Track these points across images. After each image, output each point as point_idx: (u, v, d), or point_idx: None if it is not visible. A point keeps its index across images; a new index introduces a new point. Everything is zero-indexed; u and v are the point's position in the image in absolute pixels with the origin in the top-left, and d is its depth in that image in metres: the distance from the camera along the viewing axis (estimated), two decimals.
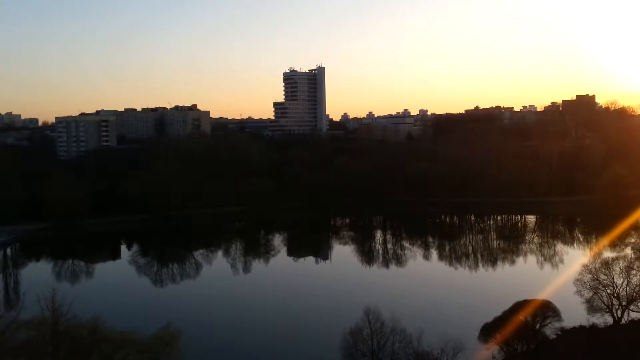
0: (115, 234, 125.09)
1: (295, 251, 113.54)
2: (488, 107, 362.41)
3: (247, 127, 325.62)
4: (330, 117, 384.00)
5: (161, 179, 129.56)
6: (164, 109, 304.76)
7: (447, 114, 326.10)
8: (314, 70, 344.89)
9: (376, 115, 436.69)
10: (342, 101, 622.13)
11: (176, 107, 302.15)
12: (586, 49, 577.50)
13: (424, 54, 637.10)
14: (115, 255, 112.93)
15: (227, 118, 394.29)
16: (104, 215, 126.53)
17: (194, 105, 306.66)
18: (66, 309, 40.23)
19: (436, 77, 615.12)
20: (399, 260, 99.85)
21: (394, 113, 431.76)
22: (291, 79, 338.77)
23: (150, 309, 72.33)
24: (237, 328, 64.19)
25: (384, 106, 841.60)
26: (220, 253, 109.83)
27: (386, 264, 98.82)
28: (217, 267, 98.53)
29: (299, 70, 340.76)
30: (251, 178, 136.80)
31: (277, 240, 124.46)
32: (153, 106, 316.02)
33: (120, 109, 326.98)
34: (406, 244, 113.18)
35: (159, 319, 51.10)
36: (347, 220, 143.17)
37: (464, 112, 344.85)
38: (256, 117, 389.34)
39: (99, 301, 70.75)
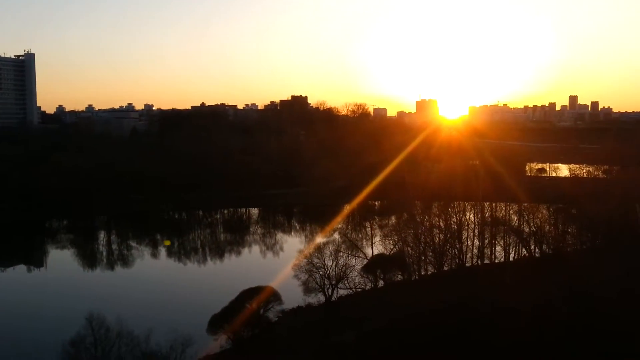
0: None
1: (0, 260, 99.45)
2: (213, 104, 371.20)
3: None
4: (42, 109, 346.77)
5: None
6: None
7: (173, 109, 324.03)
8: (22, 56, 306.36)
9: (97, 109, 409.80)
10: (56, 92, 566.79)
11: None
12: (298, 56, 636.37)
13: (146, 48, 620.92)
14: None
15: None
16: None
17: None
18: None
19: (161, 72, 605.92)
20: (125, 261, 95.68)
21: (116, 107, 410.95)
22: None
23: None
24: None
25: (106, 99, 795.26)
26: None
27: (111, 265, 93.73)
28: None
29: (2, 56, 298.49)
30: None
31: None
32: None
33: None
34: (133, 244, 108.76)
35: None
36: (66, 222, 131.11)
37: (190, 108, 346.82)
38: None
39: None
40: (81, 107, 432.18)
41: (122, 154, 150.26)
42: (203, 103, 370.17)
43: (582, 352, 42.71)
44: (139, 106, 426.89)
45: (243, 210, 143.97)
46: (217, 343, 52.95)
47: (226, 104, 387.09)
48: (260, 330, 54.34)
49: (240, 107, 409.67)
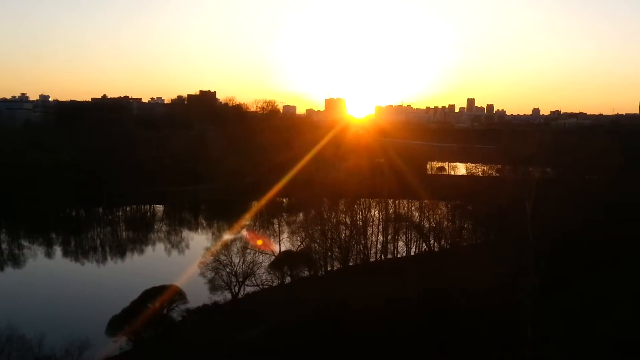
0: None
1: None
2: (116, 96, 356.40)
3: None
4: None
5: None
6: None
7: (71, 101, 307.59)
8: None
9: None
10: None
11: None
12: (207, 51, 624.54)
13: (41, 35, 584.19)
14: None
15: None
16: None
17: None
18: None
19: (59, 61, 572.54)
20: (17, 261, 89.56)
21: (8, 97, 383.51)
22: None
23: None
24: None
25: None
26: None
27: (0, 266, 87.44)
28: None
29: None
30: None
31: None
32: None
33: None
34: (25, 243, 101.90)
35: None
36: None
37: (90, 100, 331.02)
38: None
39: None
40: None
41: (13, 147, 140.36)
42: (105, 95, 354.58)
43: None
44: (34, 97, 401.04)
45: (147, 207, 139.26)
46: (116, 345, 51.09)
47: (130, 96, 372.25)
48: (164, 331, 53.01)
49: (145, 100, 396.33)
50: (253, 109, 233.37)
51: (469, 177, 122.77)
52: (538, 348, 44.51)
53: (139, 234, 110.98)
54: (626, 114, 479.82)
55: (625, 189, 68.20)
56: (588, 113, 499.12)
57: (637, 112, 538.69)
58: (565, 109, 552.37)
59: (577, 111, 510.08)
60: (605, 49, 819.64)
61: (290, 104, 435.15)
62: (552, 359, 41.89)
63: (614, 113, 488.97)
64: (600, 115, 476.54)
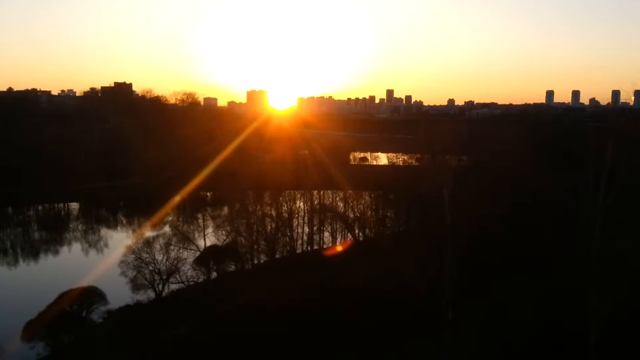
0: None
1: None
2: (23, 89, 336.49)
3: None
4: None
5: None
6: None
7: None
8: None
9: None
10: None
11: None
12: (122, 40, 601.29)
13: None
14: None
15: None
16: None
17: None
18: None
19: None
20: None
21: None
22: None
23: None
24: None
25: None
26: None
27: None
28: None
29: None
30: None
31: None
32: None
33: None
34: None
35: None
36: None
37: None
38: None
39: None
40: None
41: None
42: (10, 88, 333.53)
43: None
44: None
45: (61, 205, 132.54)
46: (33, 351, 48.50)
47: (38, 89, 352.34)
48: (84, 333, 50.88)
49: (55, 93, 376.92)
50: (172, 101, 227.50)
51: (390, 167, 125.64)
52: (457, 331, 46.40)
53: (53, 234, 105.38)
54: (534, 104, 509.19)
55: (534, 176, 71.94)
56: (499, 103, 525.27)
57: (544, 102, 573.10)
58: (478, 99, 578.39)
59: (489, 101, 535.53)
60: (514, 43, 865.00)
61: (211, 96, 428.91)
62: (471, 340, 43.80)
63: (523, 103, 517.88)
64: (510, 105, 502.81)
